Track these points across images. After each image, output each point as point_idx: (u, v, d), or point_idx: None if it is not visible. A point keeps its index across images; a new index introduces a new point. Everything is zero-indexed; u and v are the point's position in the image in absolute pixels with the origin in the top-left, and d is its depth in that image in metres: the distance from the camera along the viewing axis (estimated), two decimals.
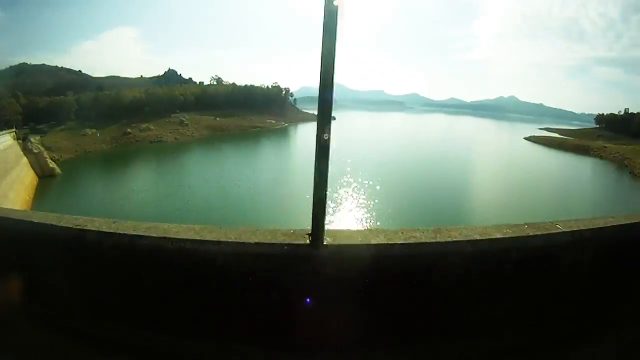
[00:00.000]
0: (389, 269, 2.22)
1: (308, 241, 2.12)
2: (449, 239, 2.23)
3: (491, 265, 2.32)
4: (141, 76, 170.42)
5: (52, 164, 55.12)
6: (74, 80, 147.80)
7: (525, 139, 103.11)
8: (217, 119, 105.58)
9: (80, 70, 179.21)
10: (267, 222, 24.33)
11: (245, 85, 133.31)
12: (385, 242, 2.19)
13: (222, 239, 2.19)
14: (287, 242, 2.15)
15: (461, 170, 52.29)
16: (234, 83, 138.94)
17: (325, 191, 2.09)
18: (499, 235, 2.28)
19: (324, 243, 2.12)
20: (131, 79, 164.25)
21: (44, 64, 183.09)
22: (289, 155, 65.56)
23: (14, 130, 64.43)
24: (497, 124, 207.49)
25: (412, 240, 2.21)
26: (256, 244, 2.15)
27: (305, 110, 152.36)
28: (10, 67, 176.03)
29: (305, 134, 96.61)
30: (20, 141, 59.52)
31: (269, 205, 31.99)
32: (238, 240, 2.18)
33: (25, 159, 52.57)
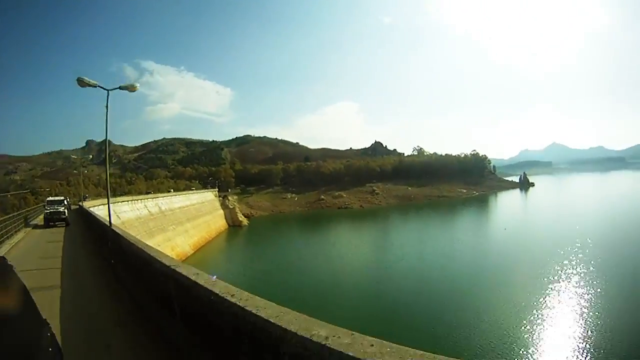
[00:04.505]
0: None
1: None
2: None
3: None
4: (350, 148, 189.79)
5: (241, 218, 74.65)
6: (290, 151, 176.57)
7: None
8: (409, 188, 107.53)
9: (297, 142, 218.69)
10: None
11: (441, 155, 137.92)
12: None
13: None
14: None
15: None
16: (434, 153, 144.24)
17: None
18: None
19: None
20: (341, 150, 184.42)
21: (265, 136, 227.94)
22: (458, 225, 60.63)
23: (216, 189, 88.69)
24: None
25: None
26: None
27: (506, 178, 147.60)
28: (236, 137, 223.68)
29: (496, 202, 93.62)
30: (221, 198, 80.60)
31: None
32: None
33: (221, 211, 73.37)
